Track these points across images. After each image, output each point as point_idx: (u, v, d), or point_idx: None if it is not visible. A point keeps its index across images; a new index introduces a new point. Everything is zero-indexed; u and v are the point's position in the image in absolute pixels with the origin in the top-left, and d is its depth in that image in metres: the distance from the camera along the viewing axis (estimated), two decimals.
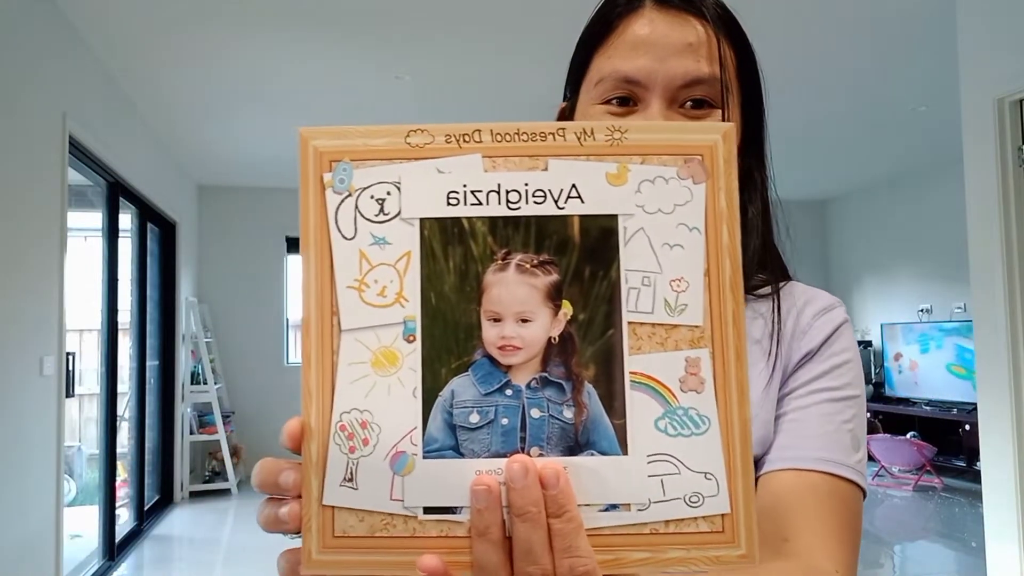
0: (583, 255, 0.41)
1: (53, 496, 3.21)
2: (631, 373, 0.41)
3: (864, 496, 0.65)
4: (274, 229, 6.98)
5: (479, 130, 0.42)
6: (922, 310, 6.83)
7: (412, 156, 0.42)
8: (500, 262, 0.41)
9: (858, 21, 3.47)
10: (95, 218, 4.27)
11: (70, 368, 3.37)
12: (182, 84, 4.24)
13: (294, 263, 7.14)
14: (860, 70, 4.10)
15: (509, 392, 0.41)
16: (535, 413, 0.41)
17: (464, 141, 0.42)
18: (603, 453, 0.41)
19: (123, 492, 4.93)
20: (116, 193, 4.27)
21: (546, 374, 0.41)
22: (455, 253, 0.41)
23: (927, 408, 6.30)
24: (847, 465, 0.62)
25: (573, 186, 0.42)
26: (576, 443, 0.41)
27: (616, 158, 0.42)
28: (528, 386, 0.41)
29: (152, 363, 5.35)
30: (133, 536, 4.75)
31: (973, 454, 5.52)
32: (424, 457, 0.41)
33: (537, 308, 0.41)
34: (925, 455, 5.82)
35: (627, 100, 0.66)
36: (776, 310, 0.68)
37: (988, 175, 2.82)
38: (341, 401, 0.41)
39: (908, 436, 6.13)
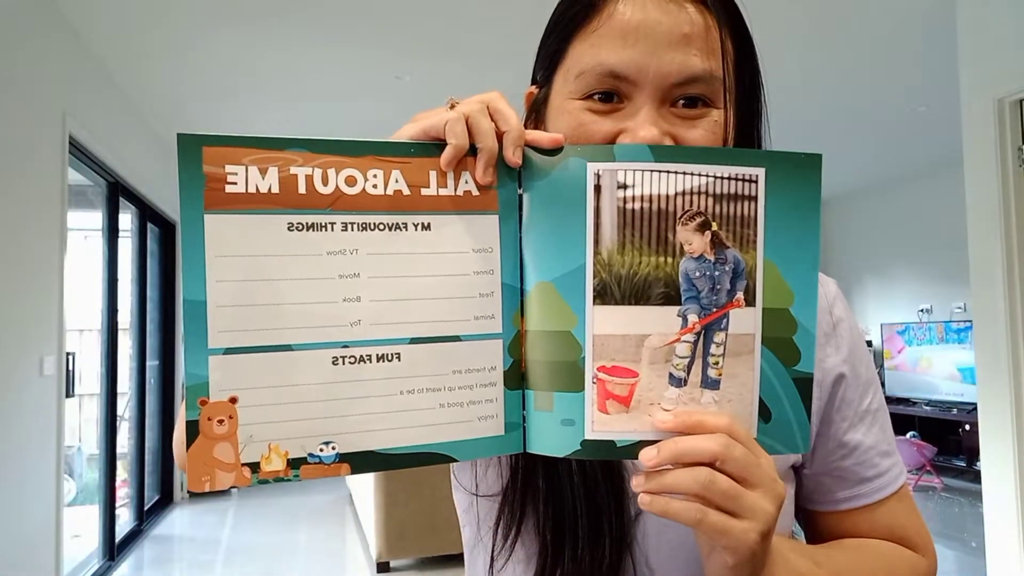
0: None
1: (53, 496, 3.21)
2: None
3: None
4: None
5: None
6: (922, 310, 6.83)
7: None
8: None
9: (858, 21, 3.47)
10: (95, 218, 4.27)
11: (70, 368, 3.36)
12: (182, 84, 4.24)
13: None
14: (860, 70, 4.10)
15: None
16: None
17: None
18: None
19: (123, 492, 4.93)
20: (116, 193, 4.27)
21: None
22: None
23: (927, 408, 6.30)
24: (898, 471, 0.71)
25: None
26: None
27: None
28: None
29: (152, 363, 5.35)
30: (133, 536, 4.75)
31: (973, 454, 5.52)
32: None
33: None
34: (925, 455, 5.81)
35: (611, 96, 0.58)
36: None
37: (988, 175, 2.81)
38: None
39: (908, 436, 6.13)
